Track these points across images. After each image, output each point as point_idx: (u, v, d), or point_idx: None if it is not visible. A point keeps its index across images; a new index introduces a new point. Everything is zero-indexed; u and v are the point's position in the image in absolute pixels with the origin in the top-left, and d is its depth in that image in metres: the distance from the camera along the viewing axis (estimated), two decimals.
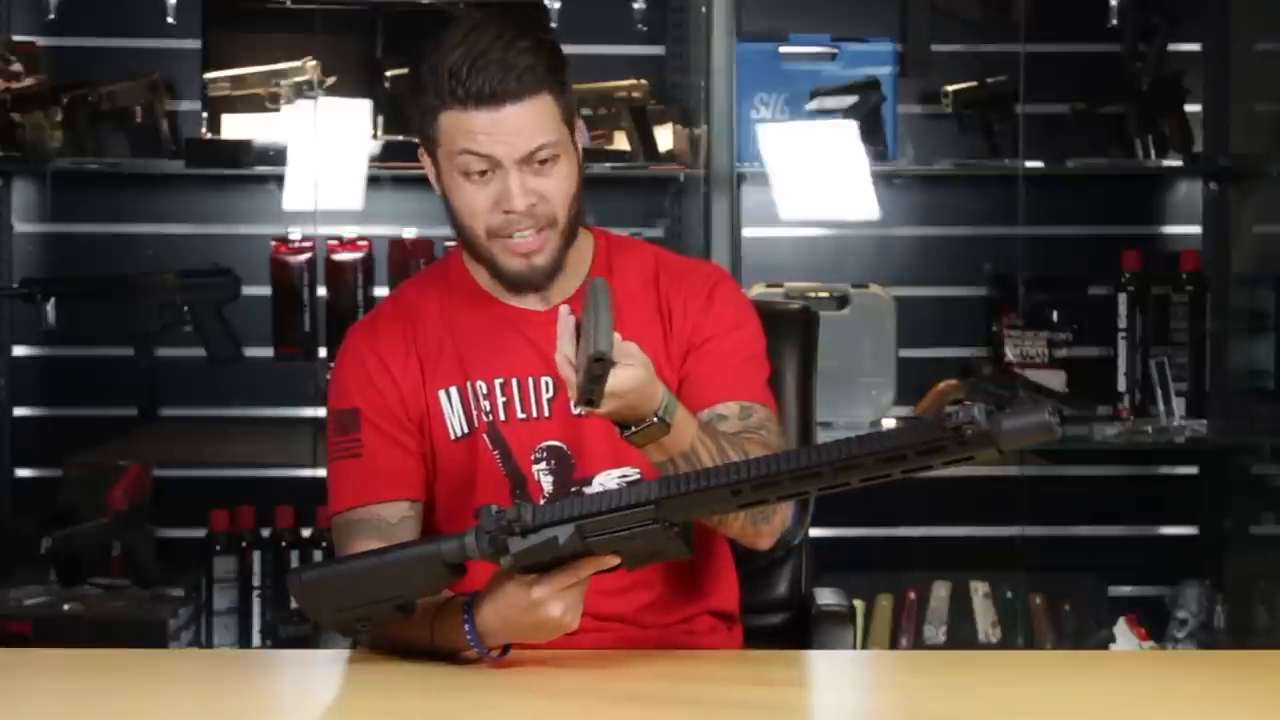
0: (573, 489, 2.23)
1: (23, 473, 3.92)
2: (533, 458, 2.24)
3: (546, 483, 2.24)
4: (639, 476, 2.23)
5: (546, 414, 2.24)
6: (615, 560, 1.91)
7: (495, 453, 2.23)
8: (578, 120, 2.27)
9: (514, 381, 2.25)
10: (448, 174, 2.22)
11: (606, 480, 2.24)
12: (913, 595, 3.90)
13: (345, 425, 2.25)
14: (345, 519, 2.22)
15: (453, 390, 2.25)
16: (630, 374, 1.98)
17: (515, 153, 2.16)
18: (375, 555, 2.00)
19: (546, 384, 2.25)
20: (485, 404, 2.24)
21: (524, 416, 2.24)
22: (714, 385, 2.24)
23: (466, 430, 2.25)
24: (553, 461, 2.24)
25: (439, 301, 2.30)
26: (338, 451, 2.25)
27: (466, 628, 2.01)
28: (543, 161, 2.18)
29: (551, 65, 2.18)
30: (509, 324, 2.27)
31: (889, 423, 3.83)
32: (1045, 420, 1.66)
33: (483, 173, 2.18)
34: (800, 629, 2.46)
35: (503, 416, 2.24)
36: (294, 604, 2.03)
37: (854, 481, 1.75)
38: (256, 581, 3.75)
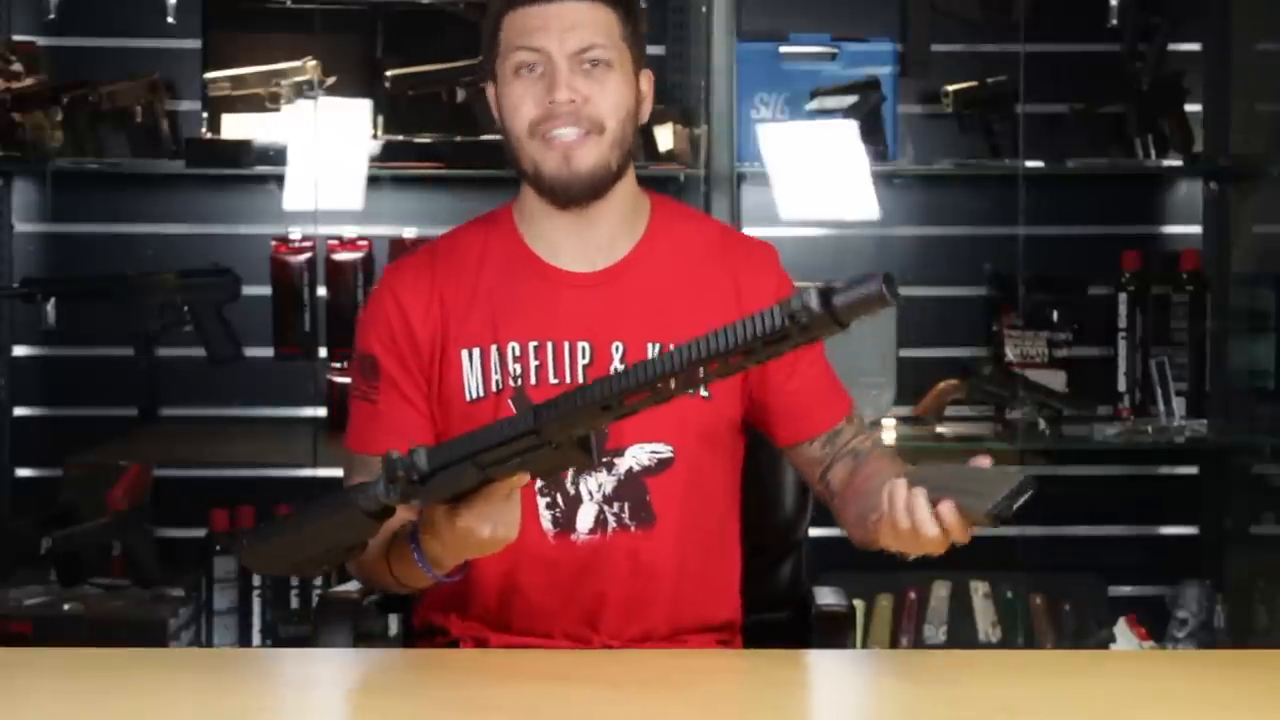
0: (604, 459, 2.22)
1: (23, 473, 3.92)
2: None
3: None
4: (670, 454, 2.23)
5: (581, 380, 2.22)
6: (525, 478, 1.92)
7: None
8: (646, 71, 2.28)
9: (549, 345, 2.23)
10: (503, 79, 2.23)
11: (639, 454, 2.23)
12: (913, 595, 3.90)
13: (365, 370, 2.27)
14: (354, 457, 2.28)
15: (475, 351, 2.24)
16: None
17: (565, 47, 2.19)
18: (302, 514, 2.01)
19: (584, 349, 2.23)
20: (515, 366, 2.23)
21: (556, 382, 2.22)
22: (817, 409, 2.30)
23: (481, 394, 2.23)
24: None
25: (479, 255, 2.28)
26: (357, 392, 2.28)
27: (416, 557, 2.04)
28: (594, 63, 2.20)
29: None
30: (550, 285, 2.25)
31: (890, 423, 3.84)
32: (877, 290, 1.71)
33: (532, 67, 2.20)
34: (800, 628, 2.46)
35: (534, 380, 2.22)
36: (241, 563, 2.09)
37: (709, 377, 1.77)
38: (256, 581, 3.75)
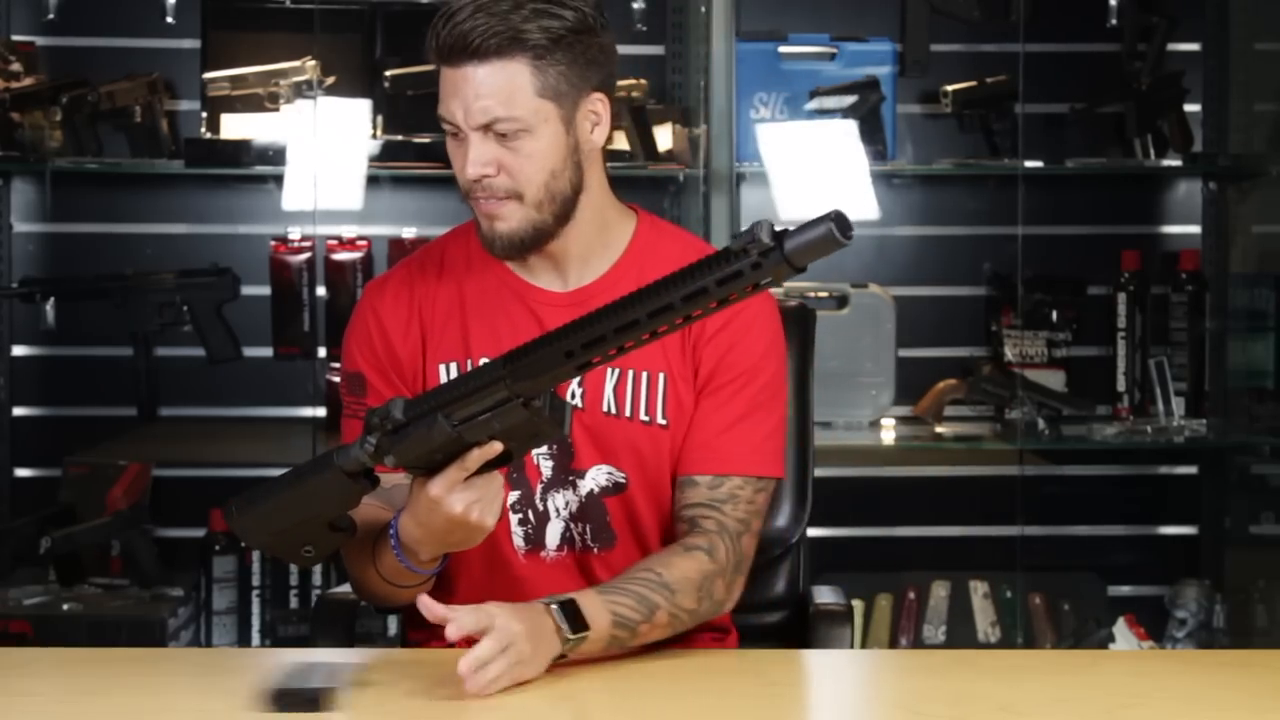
0: (569, 478, 2.22)
1: (23, 473, 3.92)
2: None
3: (546, 468, 2.22)
4: (624, 479, 2.22)
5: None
6: (499, 447, 1.91)
7: None
8: (591, 95, 2.17)
9: None
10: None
11: (598, 475, 2.23)
12: (912, 595, 3.90)
13: (354, 387, 2.26)
14: None
15: (453, 366, 2.23)
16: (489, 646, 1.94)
17: (471, 120, 2.11)
18: (287, 476, 2.01)
19: None
20: None
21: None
22: (700, 450, 2.23)
23: None
24: (554, 447, 2.22)
25: (455, 272, 2.26)
26: (348, 410, 2.26)
27: (392, 543, 2.03)
28: (513, 133, 2.12)
29: (546, 34, 2.10)
30: (522, 301, 2.24)
31: (889, 423, 3.84)
32: (827, 230, 1.70)
33: (457, 133, 2.14)
34: (798, 628, 2.46)
35: None
36: (234, 532, 2.05)
37: (671, 324, 1.78)
38: (256, 581, 3.75)
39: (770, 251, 1.72)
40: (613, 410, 2.23)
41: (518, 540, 2.24)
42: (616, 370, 2.23)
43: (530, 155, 2.14)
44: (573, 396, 2.22)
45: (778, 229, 1.72)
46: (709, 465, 2.22)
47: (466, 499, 1.93)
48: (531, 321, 2.22)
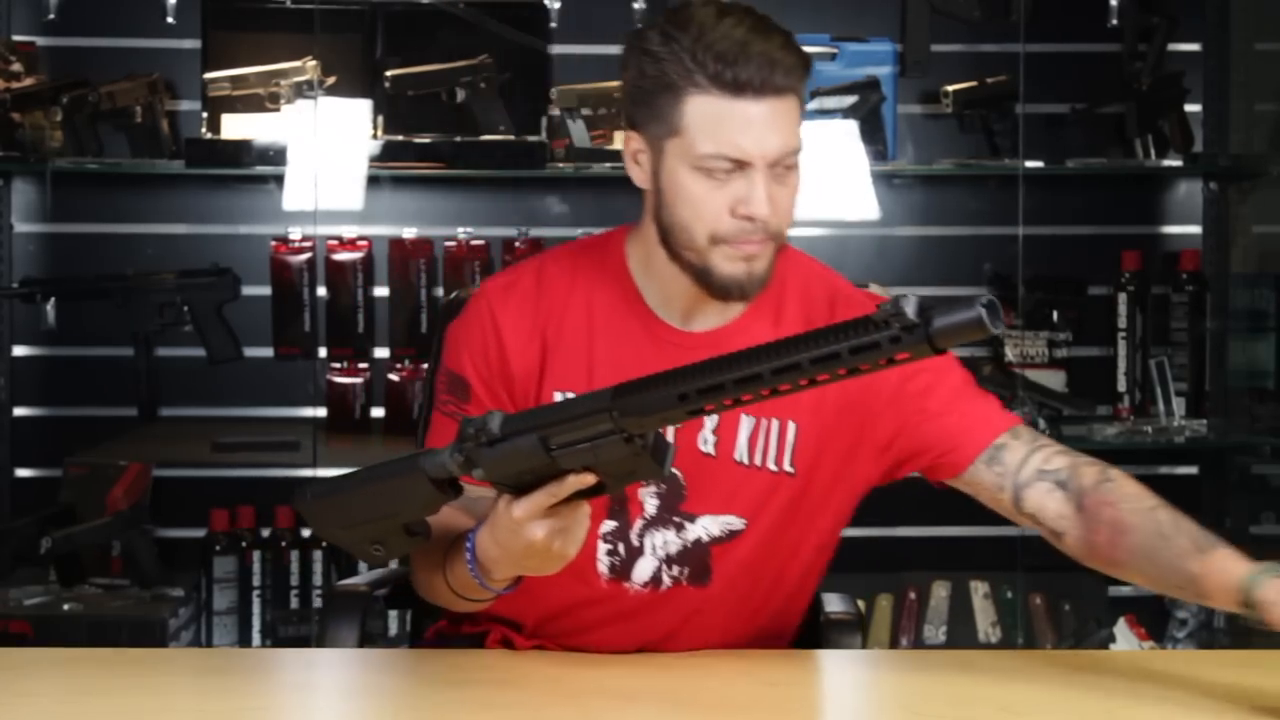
0: (676, 519, 2.15)
1: (23, 473, 3.92)
2: None
3: (651, 506, 2.14)
4: (742, 526, 2.15)
5: (670, 441, 2.03)
6: (592, 479, 1.84)
7: None
8: None
9: None
10: (676, 166, 2.05)
11: (711, 525, 2.15)
12: (913, 595, 3.90)
13: (454, 388, 2.17)
14: None
15: (569, 396, 2.11)
16: None
17: (770, 154, 2.02)
18: (370, 471, 1.94)
19: None
20: None
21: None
22: (964, 435, 2.22)
23: None
24: (662, 486, 2.13)
25: (587, 293, 2.16)
26: (443, 406, 2.17)
27: (468, 557, 1.96)
28: (787, 168, 2.05)
29: (803, 67, 2.07)
30: (652, 340, 2.14)
31: None
32: (977, 315, 1.63)
33: (728, 171, 2.04)
34: (807, 632, 2.44)
35: None
36: (302, 516, 2.00)
37: (794, 385, 1.71)
38: (256, 581, 3.75)
39: (914, 328, 1.63)
40: (745, 460, 2.15)
41: (602, 566, 2.16)
42: (752, 419, 2.14)
43: (794, 193, 2.08)
44: (705, 443, 2.13)
45: (923, 305, 1.64)
46: (1003, 422, 2.24)
47: (550, 526, 1.86)
48: (659, 362, 2.03)
